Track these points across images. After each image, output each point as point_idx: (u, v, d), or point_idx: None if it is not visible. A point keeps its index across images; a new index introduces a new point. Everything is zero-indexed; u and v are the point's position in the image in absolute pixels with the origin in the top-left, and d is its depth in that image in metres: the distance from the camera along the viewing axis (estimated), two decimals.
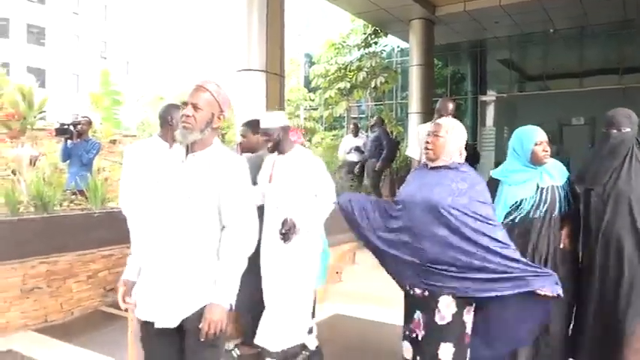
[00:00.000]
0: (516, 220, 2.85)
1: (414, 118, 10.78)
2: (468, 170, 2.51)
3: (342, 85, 11.95)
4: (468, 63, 15.48)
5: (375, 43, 11.96)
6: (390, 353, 3.79)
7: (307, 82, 14.81)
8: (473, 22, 11.41)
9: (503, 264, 2.32)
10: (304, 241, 3.15)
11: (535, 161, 2.85)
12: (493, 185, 2.90)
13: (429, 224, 2.42)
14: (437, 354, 2.41)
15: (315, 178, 3.14)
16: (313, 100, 14.16)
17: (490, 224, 2.40)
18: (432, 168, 2.54)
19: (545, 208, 2.82)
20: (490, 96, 15.06)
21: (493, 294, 2.31)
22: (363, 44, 11.98)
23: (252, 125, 3.57)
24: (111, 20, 38.66)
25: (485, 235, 2.36)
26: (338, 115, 12.85)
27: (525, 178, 2.88)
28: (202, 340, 1.90)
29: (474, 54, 14.94)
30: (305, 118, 15.31)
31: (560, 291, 2.27)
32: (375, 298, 4.73)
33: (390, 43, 13.98)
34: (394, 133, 10.95)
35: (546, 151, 2.84)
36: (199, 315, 1.92)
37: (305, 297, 3.22)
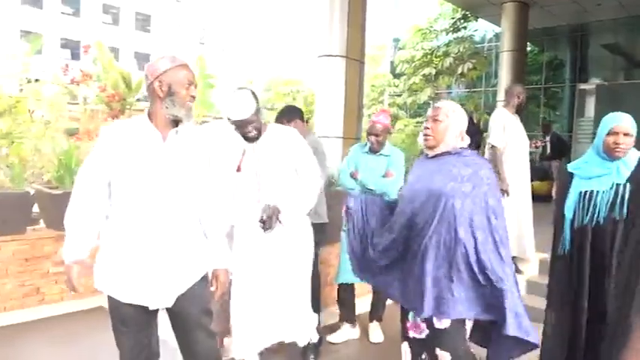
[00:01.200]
0: (584, 222, 2.37)
1: (497, 108, 10.29)
2: (471, 155, 2.29)
3: (427, 71, 11.70)
4: (566, 48, 14.46)
5: (464, 27, 11.55)
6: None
7: (393, 68, 14.64)
8: (572, 4, 10.64)
9: (491, 276, 2.09)
10: (295, 229, 2.77)
11: (608, 153, 2.39)
12: (565, 179, 2.51)
13: (429, 217, 2.20)
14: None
15: (292, 152, 2.72)
16: (397, 87, 13.99)
17: (493, 216, 2.17)
18: (433, 157, 2.33)
19: (623, 210, 2.28)
20: (590, 84, 13.99)
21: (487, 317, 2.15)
22: (451, 29, 11.62)
23: (285, 114, 3.51)
24: (209, 7, 40.47)
25: (483, 229, 2.14)
26: (422, 102, 12.61)
27: (598, 173, 2.42)
28: (218, 300, 2.14)
29: (574, 39, 13.92)
30: (389, 104, 15.18)
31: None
32: None
33: (480, 27, 13.41)
34: (480, 122, 10.57)
35: (618, 144, 2.33)
36: (192, 292, 2.00)
37: (303, 287, 2.86)
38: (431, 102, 13.88)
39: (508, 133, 4.62)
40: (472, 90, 14.92)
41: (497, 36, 14.76)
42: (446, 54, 11.42)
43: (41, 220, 4.28)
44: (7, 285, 3.71)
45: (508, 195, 4.51)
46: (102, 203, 1.95)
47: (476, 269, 2.11)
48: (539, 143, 8.51)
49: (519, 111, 4.80)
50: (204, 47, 36.85)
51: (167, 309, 2.02)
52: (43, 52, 25.68)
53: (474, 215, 2.13)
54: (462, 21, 11.57)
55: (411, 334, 2.32)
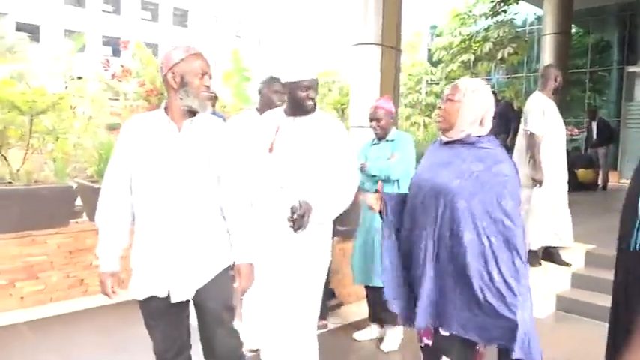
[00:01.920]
0: None
1: (534, 93, 9.95)
2: (490, 146, 1.94)
3: (465, 57, 11.39)
4: (614, 30, 13.78)
5: (504, 11, 11.17)
6: None
7: (430, 56, 14.35)
8: None
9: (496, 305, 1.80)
10: (317, 231, 2.47)
11: None
12: None
13: (431, 216, 1.94)
14: None
15: (333, 142, 2.45)
16: (435, 74, 13.71)
17: (507, 219, 1.82)
18: (446, 143, 2.03)
19: None
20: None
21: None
22: (490, 13, 11.26)
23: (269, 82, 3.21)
24: (245, 1, 40.73)
25: (494, 235, 1.82)
26: None
27: None
28: (241, 296, 2.06)
29: (622, 19, 13.24)
30: (426, 93, 14.91)
31: None
32: None
33: (521, 10, 12.94)
34: (518, 106, 10.23)
35: None
36: (212, 285, 1.96)
37: (315, 296, 2.55)
38: None
39: (547, 118, 4.42)
40: (513, 75, 14.45)
41: (538, 19, 14.26)
42: (485, 39, 11.07)
43: (84, 214, 4.41)
44: (53, 277, 3.84)
45: (541, 185, 4.37)
46: (129, 200, 1.97)
47: (482, 283, 1.81)
48: (575, 131, 8.13)
49: (555, 94, 4.58)
50: (240, 40, 37.18)
51: (193, 301, 2.01)
52: (86, 50, 26.48)
53: (482, 218, 1.83)
54: (502, 4, 11.18)
55: (424, 340, 2.10)
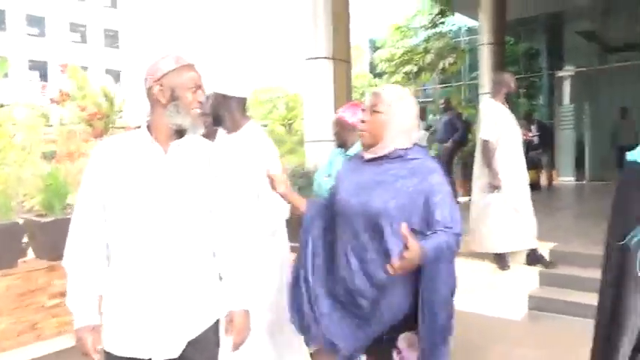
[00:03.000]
0: None
1: (485, 99, 10.35)
2: (419, 156, 1.76)
3: (408, 68, 11.67)
4: (543, 37, 14.62)
5: (442, 23, 11.57)
6: (465, 341, 3.66)
7: (372, 68, 14.61)
8: None
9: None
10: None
11: None
12: (634, 174, 1.63)
13: (367, 247, 1.74)
14: None
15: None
16: (378, 86, 13.98)
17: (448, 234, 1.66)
18: (369, 160, 1.80)
19: None
20: (568, 71, 14.14)
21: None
22: (429, 25, 11.63)
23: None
24: (177, 20, 40.10)
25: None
26: None
27: None
28: (234, 350, 1.71)
29: (550, 27, 14.07)
30: None
31: None
32: (469, 288, 4.59)
33: (457, 22, 13.47)
34: (465, 116, 10.56)
35: None
36: (203, 339, 1.67)
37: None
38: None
39: (500, 124, 4.51)
40: (453, 84, 14.96)
41: (469, 30, 14.89)
42: (426, 50, 11.41)
43: (29, 251, 4.03)
44: (1, 324, 3.46)
45: (499, 190, 4.45)
46: (103, 238, 1.65)
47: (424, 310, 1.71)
48: (529, 135, 8.52)
49: (507, 100, 4.67)
50: None
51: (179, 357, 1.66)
52: (10, 75, 25.03)
53: (422, 233, 1.67)
54: (440, 17, 11.58)
55: None
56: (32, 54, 31.78)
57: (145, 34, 37.36)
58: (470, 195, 8.51)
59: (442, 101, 8.84)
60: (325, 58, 6.17)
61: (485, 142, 4.48)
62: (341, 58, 6.28)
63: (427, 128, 8.99)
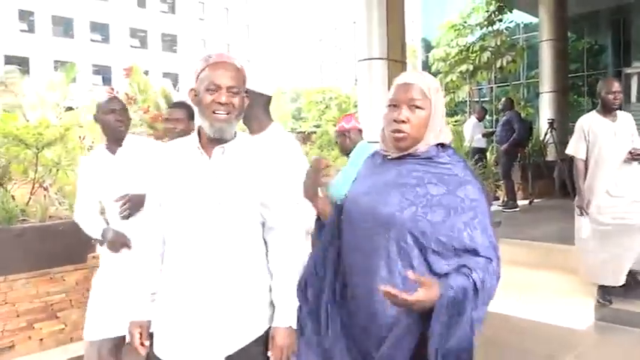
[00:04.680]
0: None
1: (545, 98, 10.00)
2: (451, 161, 1.47)
3: (464, 67, 11.41)
4: (607, 33, 13.91)
5: (500, 20, 11.23)
6: (520, 350, 3.54)
7: (425, 67, 14.40)
8: None
9: None
10: None
11: None
12: None
13: (373, 257, 1.43)
14: None
15: None
16: None
17: (478, 263, 1.37)
18: (393, 158, 1.51)
19: None
20: (637, 68, 13.39)
21: None
22: (486, 23, 11.31)
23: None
24: (234, 22, 41.02)
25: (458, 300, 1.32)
26: (460, 100, 12.32)
27: None
28: None
29: (616, 22, 13.37)
30: None
31: None
32: (511, 292, 4.45)
33: (514, 18, 13.05)
34: (524, 115, 10.23)
35: None
36: (247, 353, 1.59)
37: None
38: (467, 100, 13.55)
39: (592, 139, 3.95)
40: (512, 83, 14.49)
41: (527, 26, 14.37)
42: (482, 48, 11.10)
43: (97, 247, 4.24)
44: (72, 315, 3.65)
45: (586, 214, 3.93)
46: (161, 239, 1.66)
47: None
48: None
49: (609, 109, 3.95)
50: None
51: None
52: (77, 80, 26.44)
53: (446, 259, 1.38)
54: (497, 13, 11.24)
55: None
56: (96, 59, 33.40)
57: (202, 38, 38.48)
58: (530, 198, 8.30)
59: (502, 101, 8.56)
60: (380, 58, 6.14)
61: (573, 159, 4.05)
62: (395, 58, 6.22)
63: (487, 134, 8.75)
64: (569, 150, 4.09)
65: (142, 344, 1.63)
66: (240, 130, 1.69)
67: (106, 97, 2.64)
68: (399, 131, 1.45)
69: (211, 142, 1.58)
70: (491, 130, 9.14)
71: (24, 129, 4.90)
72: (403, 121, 1.44)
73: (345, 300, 1.57)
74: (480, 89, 15.86)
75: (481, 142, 8.54)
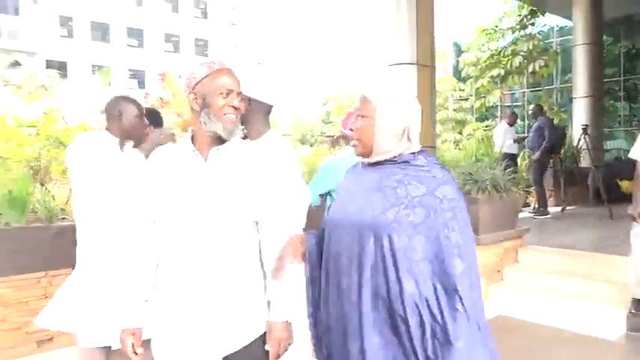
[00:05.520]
0: None
1: (580, 103, 9.78)
2: (427, 164, 1.52)
3: (495, 72, 11.27)
4: None
5: (532, 24, 11.06)
6: (547, 359, 3.50)
7: (456, 72, 14.28)
8: None
9: None
10: None
11: None
12: None
13: (359, 261, 1.47)
14: None
15: None
16: (463, 90, 13.62)
17: (458, 259, 1.40)
18: (372, 164, 1.58)
19: None
20: None
21: None
22: (518, 27, 11.15)
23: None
24: (265, 27, 41.50)
25: (440, 281, 1.40)
26: (490, 105, 12.17)
27: None
28: None
29: None
30: (455, 110, 14.79)
31: None
32: (540, 299, 4.40)
33: (548, 22, 12.83)
34: (557, 121, 10.03)
35: None
36: (246, 353, 1.63)
37: None
38: (498, 105, 13.39)
39: None
40: (545, 88, 14.23)
41: (561, 30, 14.10)
42: (514, 53, 10.95)
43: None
44: None
45: (638, 221, 3.77)
46: (154, 245, 1.68)
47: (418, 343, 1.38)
48: None
49: None
50: (262, 67, 37.74)
51: None
52: (113, 84, 27.24)
53: (425, 259, 1.41)
54: (529, 17, 11.07)
55: None
56: (132, 63, 34.29)
57: (232, 43, 39.07)
58: (562, 205, 8.13)
59: (531, 107, 8.44)
60: (409, 63, 6.15)
61: (636, 164, 3.84)
62: (425, 63, 6.22)
63: (518, 139, 8.63)
64: (633, 154, 3.91)
65: (135, 352, 1.64)
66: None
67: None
68: (351, 138, 1.63)
69: (206, 145, 1.65)
70: (523, 135, 9.00)
71: (64, 131, 5.12)
72: (351, 129, 1.62)
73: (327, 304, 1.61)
74: (512, 94, 15.64)
75: (512, 148, 8.43)
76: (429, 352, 1.35)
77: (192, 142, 1.66)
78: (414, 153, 1.53)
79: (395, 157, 1.52)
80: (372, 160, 1.56)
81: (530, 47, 10.73)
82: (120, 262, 1.76)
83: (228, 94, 1.62)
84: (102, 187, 2.36)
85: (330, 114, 25.11)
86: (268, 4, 41.70)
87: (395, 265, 1.40)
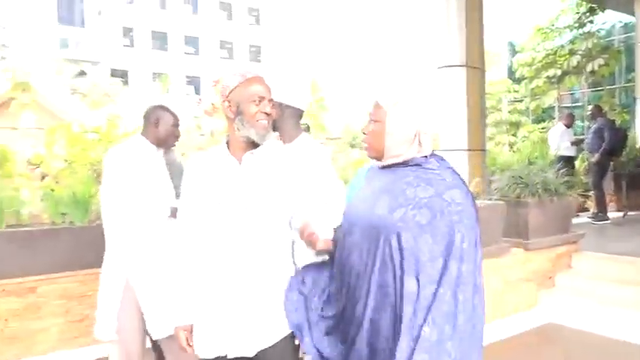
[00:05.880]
0: None
1: None
2: (439, 167, 1.55)
3: (551, 72, 10.89)
4: None
5: (591, 22, 10.60)
6: None
7: (510, 73, 13.90)
8: None
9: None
10: None
11: None
12: None
13: (368, 259, 1.53)
14: None
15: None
16: (517, 92, 13.21)
17: (459, 262, 1.42)
18: (385, 167, 1.64)
19: None
20: None
21: None
22: (576, 25, 10.73)
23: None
24: (320, 32, 41.91)
25: (443, 282, 1.41)
26: (547, 106, 11.75)
27: None
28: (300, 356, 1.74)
29: None
30: (509, 111, 14.39)
31: None
32: (594, 307, 4.23)
33: (610, 19, 12.26)
34: (619, 122, 9.55)
35: None
36: (280, 348, 1.71)
37: None
38: (555, 105, 12.91)
39: None
40: (606, 87, 13.59)
41: (626, 25, 13.42)
42: (572, 52, 10.53)
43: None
44: None
45: None
46: (201, 246, 1.78)
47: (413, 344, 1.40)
48: None
49: None
50: (316, 71, 38.11)
51: None
52: (170, 91, 28.34)
53: (431, 260, 1.43)
54: (588, 15, 10.62)
55: None
56: (188, 70, 35.52)
57: (285, 48, 39.68)
58: (623, 210, 7.77)
59: (589, 108, 8.10)
60: (458, 66, 6.08)
61: None
62: (474, 65, 6.14)
63: (576, 142, 8.32)
64: None
65: (189, 344, 1.77)
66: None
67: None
68: (363, 142, 1.68)
69: (241, 149, 1.75)
70: (581, 137, 8.64)
71: (124, 136, 5.41)
72: (364, 133, 1.65)
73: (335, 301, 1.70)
74: (571, 94, 15.06)
75: (569, 150, 8.13)
76: (423, 350, 1.37)
77: (228, 148, 1.77)
78: (426, 156, 1.57)
79: (406, 160, 1.57)
80: (384, 163, 1.63)
81: (589, 46, 10.29)
82: (168, 263, 1.85)
83: (260, 101, 1.72)
84: (141, 190, 2.48)
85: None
86: (320, 10, 42.07)
87: (401, 263, 1.44)
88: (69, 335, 3.52)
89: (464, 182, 1.56)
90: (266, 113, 1.73)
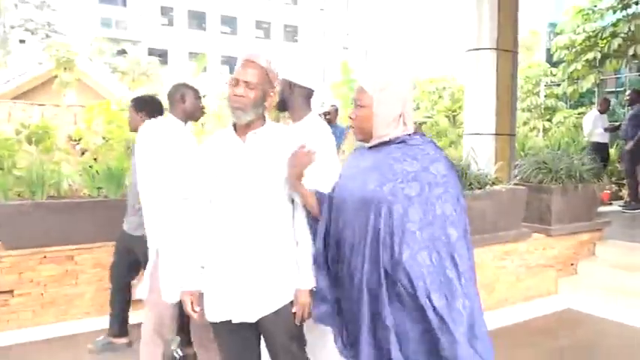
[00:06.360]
0: None
1: None
2: (423, 143, 1.67)
3: (590, 55, 10.51)
4: None
5: (636, 3, 10.14)
6: (627, 358, 3.39)
7: (549, 56, 13.48)
8: None
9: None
10: None
11: None
12: None
13: (360, 233, 1.63)
14: None
15: None
16: (555, 75, 12.82)
17: (451, 228, 1.54)
18: (372, 147, 1.74)
19: None
20: None
21: None
22: (619, 6, 10.28)
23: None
24: (352, 12, 41.44)
25: (435, 250, 1.52)
26: (585, 91, 11.36)
27: None
28: (298, 323, 1.89)
29: None
30: (546, 96, 14.00)
31: None
32: (616, 295, 4.22)
33: None
34: None
35: None
36: (280, 315, 1.86)
37: None
38: (595, 90, 12.49)
39: None
40: None
41: None
42: (613, 35, 10.13)
43: None
44: None
45: None
46: (209, 219, 1.91)
47: (425, 307, 1.50)
48: None
49: None
50: (348, 52, 37.81)
51: (261, 332, 1.92)
52: (208, 70, 28.73)
53: (422, 229, 1.53)
54: None
55: None
56: (225, 50, 35.85)
57: (320, 29, 39.45)
58: None
59: (628, 93, 7.84)
60: (489, 49, 5.99)
61: None
62: (506, 48, 6.02)
63: (610, 128, 8.08)
64: None
65: (194, 310, 1.91)
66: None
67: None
68: (351, 126, 1.77)
69: (244, 129, 1.86)
70: (615, 124, 8.39)
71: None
72: (351, 118, 1.75)
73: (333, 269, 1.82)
74: (617, 78, 14.53)
75: (602, 137, 7.94)
76: (430, 315, 1.49)
77: (235, 129, 1.90)
78: (409, 134, 1.69)
79: (392, 139, 1.68)
80: (371, 143, 1.73)
81: (632, 28, 9.87)
82: (180, 235, 2.01)
83: (235, 84, 1.80)
84: (172, 167, 2.61)
85: (415, 100, 24.67)
86: None
87: (391, 234, 1.54)
88: (102, 302, 3.77)
89: (446, 155, 1.68)
90: (237, 95, 1.79)
